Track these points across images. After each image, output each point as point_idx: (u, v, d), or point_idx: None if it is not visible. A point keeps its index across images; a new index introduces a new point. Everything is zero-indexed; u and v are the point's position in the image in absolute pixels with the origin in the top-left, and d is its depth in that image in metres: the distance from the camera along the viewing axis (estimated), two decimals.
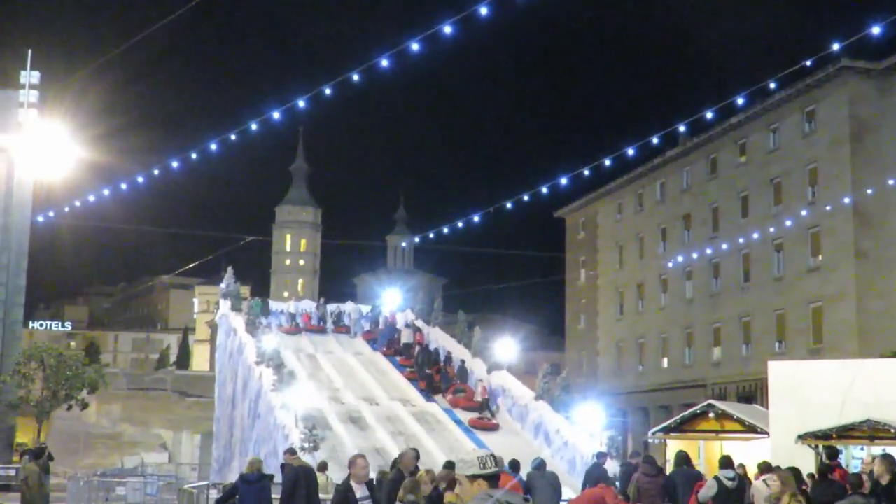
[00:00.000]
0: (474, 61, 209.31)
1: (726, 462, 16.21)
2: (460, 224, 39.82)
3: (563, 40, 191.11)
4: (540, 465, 17.97)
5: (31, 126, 52.95)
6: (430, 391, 36.97)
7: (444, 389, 36.88)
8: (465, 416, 34.23)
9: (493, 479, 5.80)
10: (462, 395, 36.35)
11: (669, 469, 19.79)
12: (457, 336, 41.87)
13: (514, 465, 17.48)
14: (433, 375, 38.09)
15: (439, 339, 42.32)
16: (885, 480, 12.66)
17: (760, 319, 51.48)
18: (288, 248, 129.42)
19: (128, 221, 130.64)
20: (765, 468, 17.70)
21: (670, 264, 57.58)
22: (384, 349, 42.00)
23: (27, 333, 70.41)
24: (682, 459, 17.26)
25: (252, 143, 29.67)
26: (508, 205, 35.89)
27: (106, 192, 36.22)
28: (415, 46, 21.96)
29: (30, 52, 53.88)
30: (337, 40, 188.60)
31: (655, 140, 29.87)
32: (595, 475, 19.22)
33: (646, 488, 16.52)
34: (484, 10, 20.74)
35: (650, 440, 34.04)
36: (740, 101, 28.74)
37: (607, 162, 31.78)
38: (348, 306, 48.13)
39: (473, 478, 5.77)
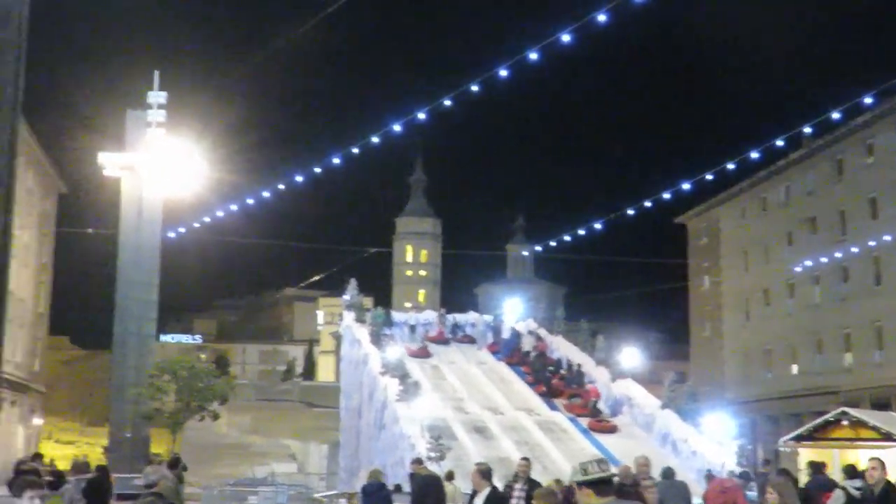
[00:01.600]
0: (593, 68, 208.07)
1: (852, 471, 15.79)
2: (581, 232, 39.70)
3: (683, 44, 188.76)
4: (669, 474, 17.75)
5: (160, 145, 54.49)
6: (549, 395, 37.00)
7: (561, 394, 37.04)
8: (585, 422, 34.13)
9: (599, 486, 5.65)
10: (578, 400, 36.30)
11: (803, 478, 19.35)
12: (579, 345, 41.68)
13: (668, 473, 17.31)
14: (551, 380, 38.17)
15: (562, 347, 42.17)
16: None
17: (894, 324, 49.90)
18: (409, 259, 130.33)
19: (254, 236, 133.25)
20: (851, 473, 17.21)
21: (797, 269, 56.27)
22: (507, 358, 42.00)
23: (159, 346, 72.28)
24: (816, 468, 16.87)
25: (373, 156, 30.08)
26: (629, 211, 35.66)
27: (233, 207, 37.19)
28: (533, 56, 21.99)
29: (157, 72, 55.42)
30: (455, 52, 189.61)
31: (779, 143, 29.34)
32: None
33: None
34: (602, 17, 20.66)
35: (781, 448, 33.31)
36: (868, 100, 28.00)
37: (730, 166, 31.36)
38: (470, 316, 48.26)
39: (579, 485, 5.69)
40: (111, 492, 20.62)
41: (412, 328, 45.97)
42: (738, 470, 26.09)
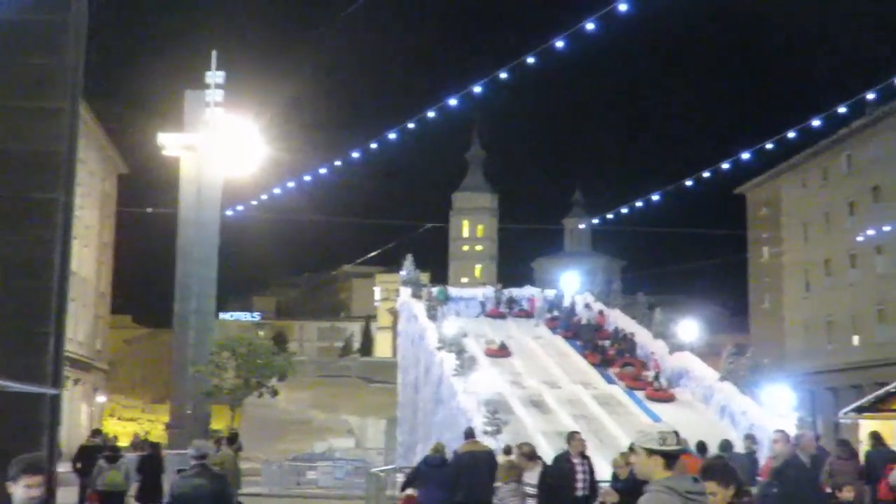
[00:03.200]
0: (651, 39, 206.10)
1: None
2: (638, 204, 39.43)
3: (742, 12, 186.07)
4: (727, 447, 17.62)
5: (218, 124, 54.96)
6: (602, 365, 36.99)
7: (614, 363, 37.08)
8: (641, 394, 34.08)
9: (671, 459, 5.68)
10: (630, 369, 36.23)
11: (863, 450, 19.12)
12: (637, 318, 41.51)
13: (701, 447, 17.16)
14: (605, 349, 38.20)
15: (619, 320, 42.02)
16: None
17: None
18: (465, 235, 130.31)
19: (311, 213, 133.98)
20: None
21: (860, 239, 55.47)
22: (564, 332, 41.92)
23: (219, 324, 73.14)
24: (878, 439, 16.64)
25: (429, 131, 30.05)
26: (688, 183, 35.34)
27: (291, 185, 37.46)
28: (590, 27, 21.84)
29: (214, 52, 55.85)
30: (511, 24, 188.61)
31: (842, 110, 28.88)
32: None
33: (840, 471, 16.00)
34: None
35: (842, 420, 32.98)
36: None
37: (791, 135, 30.92)
38: (527, 290, 48.21)
39: (651, 452, 5.68)
40: (163, 467, 21.13)
41: (481, 304, 45.84)
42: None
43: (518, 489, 11.04)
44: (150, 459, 20.94)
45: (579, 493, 14.50)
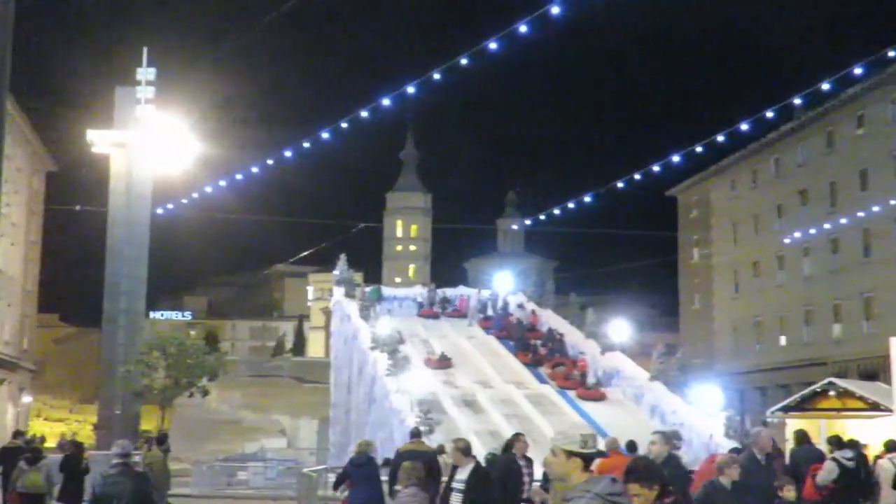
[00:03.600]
0: (585, 42, 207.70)
1: (839, 441, 15.76)
2: (571, 205, 39.63)
3: (675, 17, 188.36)
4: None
5: (149, 121, 54.26)
6: (533, 364, 37.17)
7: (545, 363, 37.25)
8: (573, 394, 34.31)
9: (589, 461, 5.70)
10: (562, 368, 36.46)
11: (789, 448, 19.41)
12: (569, 318, 41.76)
13: (632, 446, 17.24)
14: (536, 349, 38.42)
15: (551, 321, 42.24)
16: None
17: (883, 295, 50.06)
18: (399, 234, 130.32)
19: (244, 212, 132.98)
20: (891, 446, 17.23)
21: (787, 241, 56.37)
22: (498, 332, 42.02)
23: (149, 323, 72.22)
24: (803, 438, 16.85)
25: (363, 131, 29.90)
26: (620, 185, 35.59)
27: (222, 183, 37.04)
28: (523, 28, 21.90)
29: (145, 48, 55.12)
30: (444, 25, 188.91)
31: (770, 114, 29.28)
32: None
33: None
34: None
35: (769, 419, 33.46)
36: (858, 71, 27.92)
37: (720, 138, 31.27)
38: (460, 290, 48.25)
39: (571, 454, 5.69)
40: (87, 467, 20.81)
41: (419, 305, 45.69)
42: (728, 443, 26.15)
43: (418, 494, 10.97)
44: (73, 460, 20.62)
45: (525, 494, 14.55)
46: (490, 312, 44.67)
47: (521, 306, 44.82)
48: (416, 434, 17.51)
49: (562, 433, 5.81)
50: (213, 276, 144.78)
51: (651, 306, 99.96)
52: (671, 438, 12.06)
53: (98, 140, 55.45)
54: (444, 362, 37.25)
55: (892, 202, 47.60)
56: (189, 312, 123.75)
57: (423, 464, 14.87)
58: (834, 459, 15.01)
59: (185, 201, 42.60)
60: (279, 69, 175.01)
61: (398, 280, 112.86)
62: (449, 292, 47.55)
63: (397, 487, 12.02)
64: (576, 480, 5.62)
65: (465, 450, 12.77)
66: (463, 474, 12.54)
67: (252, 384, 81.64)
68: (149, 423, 59.44)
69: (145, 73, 54.76)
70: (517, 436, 15.44)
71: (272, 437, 67.69)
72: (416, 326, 42.64)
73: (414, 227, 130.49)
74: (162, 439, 20.58)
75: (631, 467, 6.33)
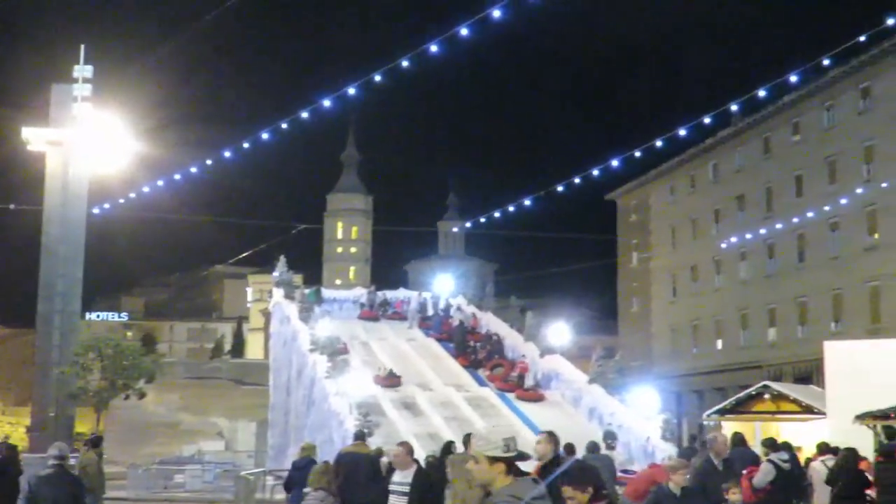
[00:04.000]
0: (524, 44, 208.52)
1: (774, 443, 15.93)
2: (511, 209, 39.79)
3: (613, 20, 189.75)
4: (594, 448, 17.88)
5: (86, 120, 53.58)
6: (472, 367, 37.19)
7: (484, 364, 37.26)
8: (512, 396, 34.36)
9: (512, 464, 5.71)
10: (500, 370, 36.50)
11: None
12: (509, 321, 41.86)
13: (570, 449, 17.32)
14: (474, 351, 38.44)
15: (491, 323, 42.31)
16: None
17: (817, 300, 50.89)
18: (339, 236, 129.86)
19: (182, 212, 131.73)
20: (823, 449, 17.48)
21: (724, 245, 57.08)
22: (438, 335, 42.00)
23: (85, 325, 71.33)
24: (739, 440, 17.01)
25: (303, 133, 29.80)
26: (560, 188, 35.80)
27: (160, 183, 36.68)
28: (464, 31, 21.92)
29: (83, 46, 54.48)
30: (386, 27, 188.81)
31: (707, 120, 29.60)
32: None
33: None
34: None
35: (705, 423, 33.84)
36: (793, 79, 28.35)
37: (659, 143, 31.58)
38: (401, 293, 48.16)
39: (494, 459, 5.67)
40: (20, 469, 20.44)
41: (361, 306, 45.44)
42: (665, 446, 26.35)
43: (325, 498, 10.92)
44: (7, 462, 20.26)
45: None
46: (430, 313, 44.67)
47: (460, 309, 44.85)
48: (359, 436, 17.37)
49: (483, 439, 5.77)
50: (150, 276, 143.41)
51: (590, 309, 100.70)
52: (558, 438, 11.89)
53: (33, 138, 54.68)
54: (393, 380, 35.86)
55: (827, 208, 48.43)
56: (126, 314, 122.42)
57: (360, 466, 14.86)
58: (770, 461, 15.14)
59: (122, 201, 42.12)
60: (219, 69, 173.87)
61: (339, 282, 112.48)
62: (389, 295, 47.43)
63: (306, 490, 11.89)
64: (500, 485, 5.61)
65: (409, 451, 12.79)
66: (406, 477, 12.55)
67: (190, 386, 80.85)
68: (84, 426, 58.67)
69: (82, 70, 54.12)
70: (469, 437, 15.43)
71: (210, 440, 67.17)
72: (356, 329, 42.45)
73: (355, 229, 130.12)
74: (96, 441, 20.28)
75: (565, 470, 6.34)
